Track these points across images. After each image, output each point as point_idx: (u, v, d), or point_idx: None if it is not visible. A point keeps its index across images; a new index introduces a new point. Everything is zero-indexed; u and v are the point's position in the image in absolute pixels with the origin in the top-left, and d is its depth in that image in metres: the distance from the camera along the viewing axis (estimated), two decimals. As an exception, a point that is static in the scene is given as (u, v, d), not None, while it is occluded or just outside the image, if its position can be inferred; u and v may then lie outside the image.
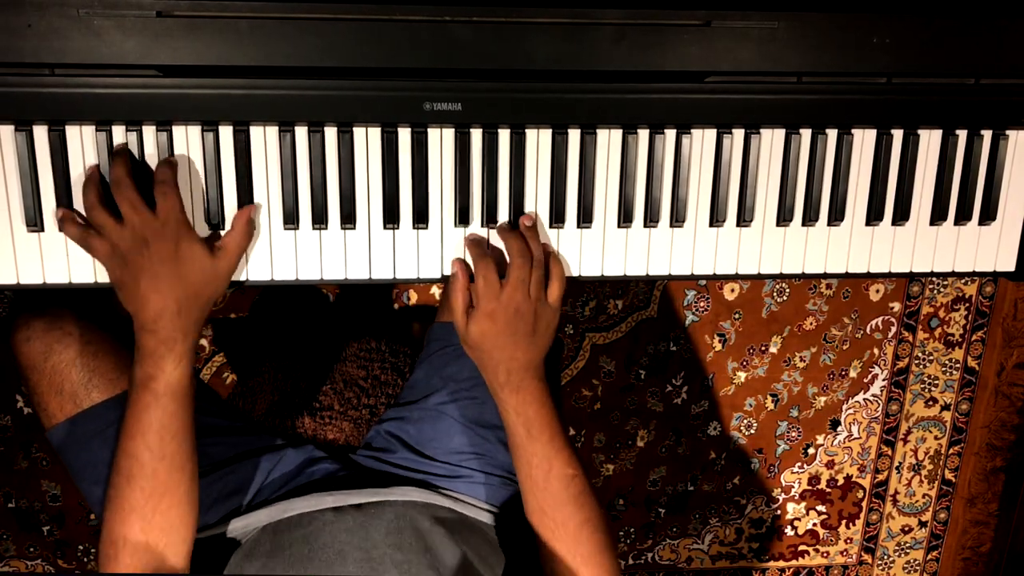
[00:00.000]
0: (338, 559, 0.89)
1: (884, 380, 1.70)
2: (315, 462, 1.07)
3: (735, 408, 1.68)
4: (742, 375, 1.65)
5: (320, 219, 0.90)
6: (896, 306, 1.64)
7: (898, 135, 0.96)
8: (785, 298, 1.61)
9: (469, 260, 0.92)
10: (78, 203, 0.87)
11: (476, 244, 0.92)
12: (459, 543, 0.93)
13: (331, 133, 0.88)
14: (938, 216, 0.99)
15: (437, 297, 1.53)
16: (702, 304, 1.59)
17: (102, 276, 0.89)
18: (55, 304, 1.03)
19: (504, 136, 0.90)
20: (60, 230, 0.87)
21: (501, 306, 0.89)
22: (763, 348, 1.64)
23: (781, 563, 1.82)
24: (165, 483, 0.85)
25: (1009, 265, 1.02)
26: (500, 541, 1.01)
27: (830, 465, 1.75)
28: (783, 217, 0.96)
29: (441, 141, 0.90)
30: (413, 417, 1.11)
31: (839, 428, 1.72)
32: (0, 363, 1.44)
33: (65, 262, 0.88)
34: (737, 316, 1.61)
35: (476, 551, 0.94)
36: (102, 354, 1.00)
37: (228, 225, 0.89)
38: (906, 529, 1.82)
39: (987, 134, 0.97)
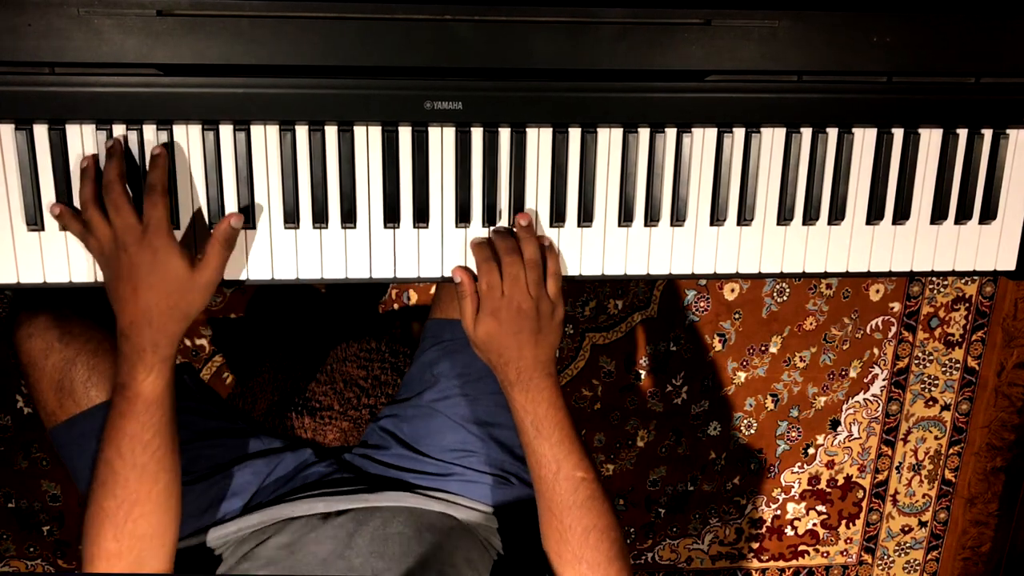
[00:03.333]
0: (320, 568, 0.89)
1: (884, 380, 1.70)
2: (311, 464, 1.08)
3: (735, 408, 1.68)
4: (742, 375, 1.65)
5: (321, 218, 0.90)
6: (896, 306, 1.64)
7: (898, 134, 0.96)
8: (785, 298, 1.61)
9: (472, 264, 0.93)
10: (79, 204, 0.87)
11: (480, 248, 0.92)
12: (444, 548, 0.93)
13: (332, 132, 0.88)
14: (938, 215, 0.99)
15: (437, 297, 1.53)
16: (702, 304, 1.59)
17: (102, 276, 0.88)
18: (58, 302, 1.03)
19: (505, 135, 0.90)
20: (59, 227, 0.87)
21: (504, 305, 0.89)
22: (763, 348, 1.64)
23: (781, 563, 1.82)
24: (136, 492, 0.83)
25: (1009, 264, 1.01)
26: (492, 540, 1.01)
27: (830, 465, 1.75)
28: (783, 216, 0.96)
29: (442, 140, 0.90)
30: (407, 414, 1.11)
31: (839, 428, 1.72)
32: (0, 363, 1.44)
33: (65, 261, 0.88)
34: (737, 316, 1.61)
35: (463, 554, 0.94)
36: (103, 352, 1.00)
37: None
38: (906, 529, 1.82)
39: (988, 133, 0.97)
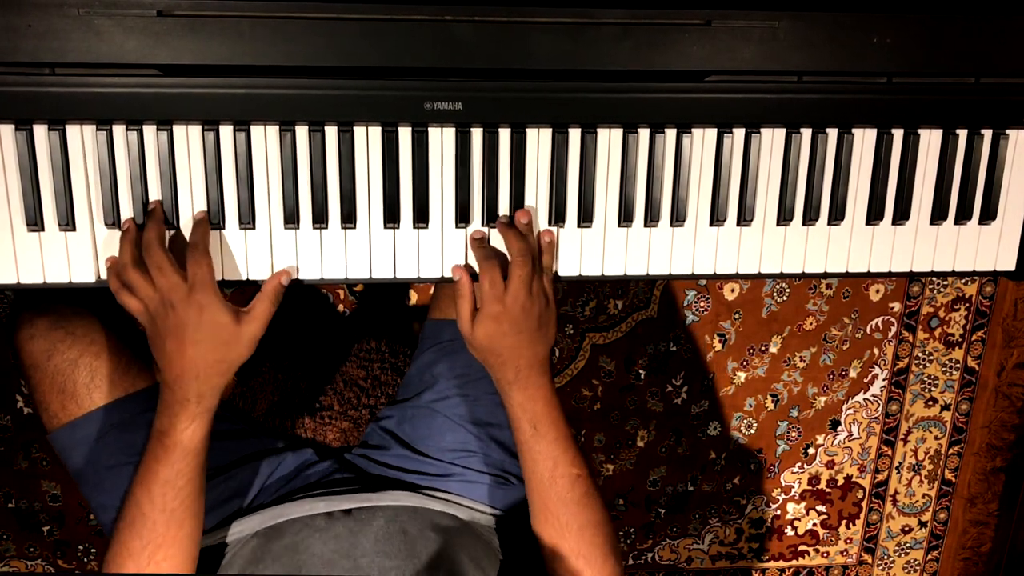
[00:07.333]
0: (326, 568, 0.89)
1: (884, 380, 1.70)
2: (312, 464, 1.08)
3: (735, 408, 1.68)
4: (742, 375, 1.65)
5: (320, 218, 0.90)
6: (896, 306, 1.64)
7: (898, 134, 0.96)
8: (785, 298, 1.61)
9: (473, 261, 0.92)
10: (79, 203, 0.87)
11: (481, 246, 0.91)
12: (449, 547, 0.93)
13: (332, 132, 0.88)
14: (938, 215, 0.99)
15: (437, 297, 1.53)
16: (702, 304, 1.59)
17: (103, 276, 0.89)
18: (60, 303, 1.03)
19: (505, 135, 0.91)
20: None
21: (507, 308, 0.88)
22: (763, 348, 1.64)
23: (781, 563, 1.82)
24: (163, 535, 0.85)
25: (1009, 265, 1.02)
26: (494, 541, 1.01)
27: (830, 465, 1.75)
28: (783, 216, 0.96)
29: (442, 140, 0.90)
30: (407, 415, 1.11)
31: (839, 428, 1.72)
32: (0, 363, 1.44)
33: (65, 262, 0.88)
34: (737, 316, 1.61)
35: (468, 554, 0.94)
36: (105, 355, 1.00)
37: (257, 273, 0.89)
38: (906, 529, 1.82)
39: (987, 133, 0.97)
